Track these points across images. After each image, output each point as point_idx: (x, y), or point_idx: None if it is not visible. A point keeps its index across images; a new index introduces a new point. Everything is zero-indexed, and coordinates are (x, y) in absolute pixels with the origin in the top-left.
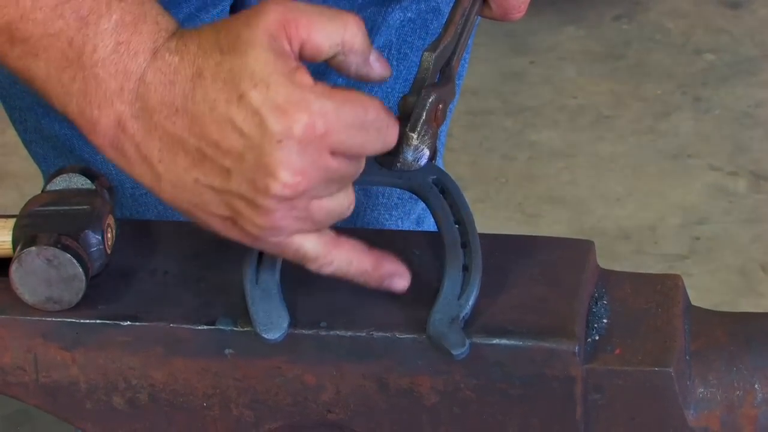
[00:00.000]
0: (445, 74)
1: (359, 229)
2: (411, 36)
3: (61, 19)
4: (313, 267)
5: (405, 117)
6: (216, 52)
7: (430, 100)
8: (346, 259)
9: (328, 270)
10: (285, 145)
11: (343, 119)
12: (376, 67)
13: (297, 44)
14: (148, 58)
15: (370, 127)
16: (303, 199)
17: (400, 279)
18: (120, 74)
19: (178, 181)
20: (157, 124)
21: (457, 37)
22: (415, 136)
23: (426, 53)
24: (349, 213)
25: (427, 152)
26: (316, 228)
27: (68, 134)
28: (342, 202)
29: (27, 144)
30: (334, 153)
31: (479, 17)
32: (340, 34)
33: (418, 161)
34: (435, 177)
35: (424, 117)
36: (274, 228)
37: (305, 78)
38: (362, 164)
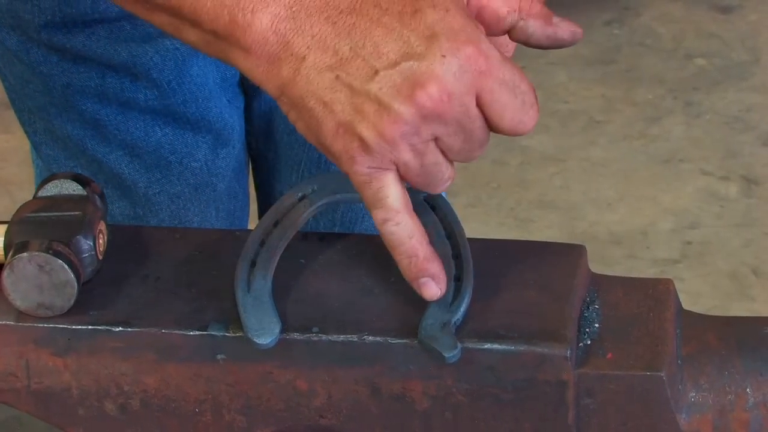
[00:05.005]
0: None
1: (354, 234)
2: None
3: None
4: (379, 216)
5: None
6: None
7: None
8: (410, 230)
9: (388, 228)
10: (447, 62)
11: (503, 72)
12: (563, 26)
13: (475, 9)
14: None
15: (519, 95)
16: (432, 126)
17: (437, 284)
18: None
19: (315, 77)
20: (313, 24)
21: None
22: None
23: None
24: (443, 186)
25: None
26: (414, 172)
27: (80, 134)
28: (447, 168)
29: (37, 146)
30: (480, 100)
31: None
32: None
33: None
34: (425, 195)
35: None
36: (391, 141)
37: (480, 27)
38: (487, 139)
